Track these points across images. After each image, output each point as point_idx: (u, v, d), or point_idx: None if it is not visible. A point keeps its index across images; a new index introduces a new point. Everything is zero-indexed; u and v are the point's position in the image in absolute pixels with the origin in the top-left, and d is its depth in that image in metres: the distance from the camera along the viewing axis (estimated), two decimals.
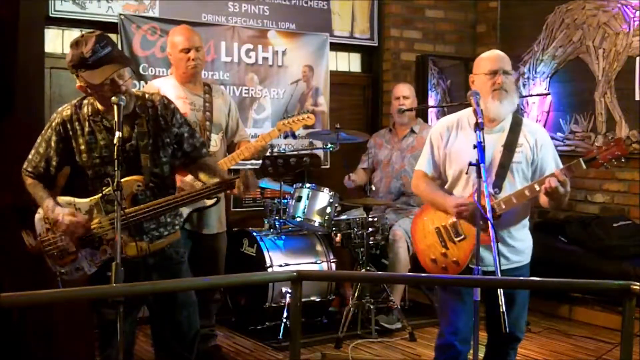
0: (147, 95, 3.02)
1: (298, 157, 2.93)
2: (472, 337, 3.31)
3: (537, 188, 3.09)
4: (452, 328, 3.26)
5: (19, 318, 3.53)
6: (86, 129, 2.92)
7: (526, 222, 3.35)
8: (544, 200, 3.15)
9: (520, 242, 3.29)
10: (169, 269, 3.02)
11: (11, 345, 3.55)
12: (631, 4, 5.66)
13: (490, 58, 3.34)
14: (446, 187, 3.37)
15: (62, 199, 2.99)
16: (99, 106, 2.91)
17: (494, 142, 3.21)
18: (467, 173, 3.18)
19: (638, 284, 2.19)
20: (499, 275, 2.90)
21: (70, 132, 2.93)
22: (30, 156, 3.03)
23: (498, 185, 3.20)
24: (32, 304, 2.78)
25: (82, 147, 2.92)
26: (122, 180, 2.81)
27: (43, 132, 3.00)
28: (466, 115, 3.34)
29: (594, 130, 5.92)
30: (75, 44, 2.83)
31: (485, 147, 3.08)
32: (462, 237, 3.25)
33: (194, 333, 3.15)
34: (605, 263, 5.30)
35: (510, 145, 3.22)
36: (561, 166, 3.26)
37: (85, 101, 2.96)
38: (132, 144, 2.91)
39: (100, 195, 2.90)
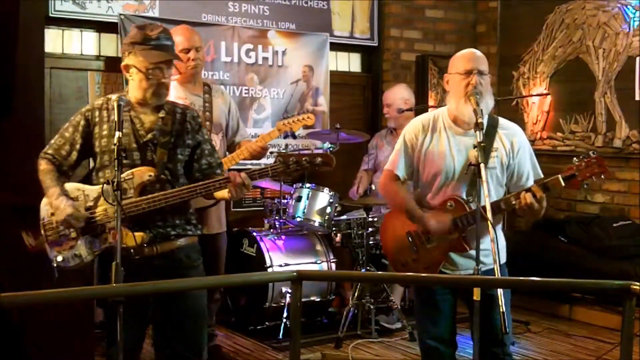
0: (178, 103, 3.15)
1: (310, 156, 2.90)
2: (455, 338, 3.29)
3: (514, 202, 3.02)
4: (432, 334, 3.24)
5: (19, 318, 3.53)
6: (112, 117, 2.97)
7: (499, 224, 3.26)
8: (518, 211, 3.05)
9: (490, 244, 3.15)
10: (175, 272, 2.96)
11: (11, 345, 3.54)
12: (631, 4, 5.66)
13: (465, 57, 3.20)
14: (418, 190, 3.29)
15: (72, 185, 3.01)
16: (135, 97, 2.99)
17: (469, 146, 3.04)
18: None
19: (638, 284, 2.19)
20: (499, 275, 2.89)
21: (97, 119, 3.00)
22: (52, 140, 3.07)
23: (472, 192, 3.09)
24: (32, 304, 2.77)
25: (105, 132, 2.98)
26: (135, 169, 2.90)
27: (72, 118, 3.06)
28: (441, 115, 3.22)
29: (594, 130, 5.92)
30: (142, 26, 3.00)
31: (454, 151, 3.08)
32: (434, 244, 3.20)
33: (201, 342, 3.12)
34: (605, 263, 5.31)
35: (485, 150, 3.02)
36: (539, 169, 3.20)
37: (117, 95, 3.02)
38: (154, 134, 2.96)
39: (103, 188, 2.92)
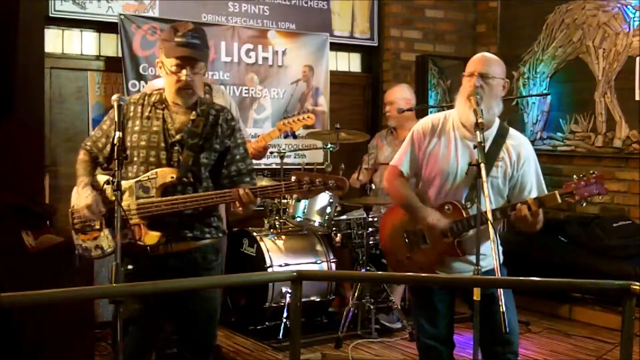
0: (215, 105, 3.10)
1: (325, 178, 2.90)
2: (452, 337, 3.30)
3: (509, 212, 3.02)
4: (429, 334, 3.25)
5: (19, 318, 3.53)
6: (146, 114, 2.99)
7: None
8: (515, 222, 3.05)
9: (487, 247, 3.05)
10: (190, 273, 2.94)
11: (11, 345, 3.55)
12: (631, 4, 5.66)
13: (472, 60, 3.18)
14: (418, 188, 3.30)
15: (102, 176, 3.03)
16: (167, 96, 2.99)
17: (473, 151, 3.03)
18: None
19: (638, 284, 2.18)
20: (499, 275, 2.89)
21: (132, 114, 3.00)
22: (92, 132, 3.13)
23: (471, 198, 3.08)
24: (32, 304, 2.77)
25: (137, 128, 2.98)
26: (159, 169, 2.90)
27: (110, 112, 3.07)
28: (452, 116, 3.20)
29: (594, 130, 5.92)
30: (174, 24, 2.97)
31: (459, 154, 3.08)
32: (428, 245, 3.20)
33: (209, 345, 3.10)
34: (605, 263, 5.30)
35: (489, 158, 3.03)
36: (543, 184, 3.18)
37: (157, 91, 3.05)
38: (182, 135, 2.95)
39: (135, 180, 2.93)
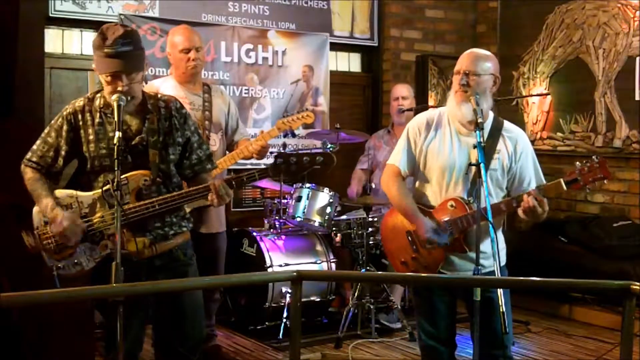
0: (159, 96, 3.03)
1: (311, 155, 2.86)
2: (454, 338, 3.30)
3: (514, 204, 3.02)
4: (430, 334, 3.24)
5: (19, 318, 3.53)
6: (97, 120, 2.91)
7: (500, 227, 3.25)
8: (521, 214, 3.04)
9: (489, 246, 3.06)
10: (175, 270, 2.97)
11: (11, 345, 3.54)
12: (631, 4, 5.66)
13: (461, 57, 3.20)
14: (416, 186, 3.29)
15: (63, 191, 2.95)
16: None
17: (471, 146, 3.03)
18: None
19: (638, 284, 2.19)
20: (499, 275, 2.89)
21: (81, 122, 2.92)
22: (35, 146, 2.97)
23: (472, 193, 3.07)
24: (32, 304, 2.77)
25: (91, 137, 2.90)
26: (129, 174, 2.84)
27: (52, 122, 2.97)
28: (447, 112, 3.22)
29: (594, 130, 5.93)
30: (103, 29, 2.83)
31: (456, 150, 3.08)
32: (432, 246, 3.19)
33: (198, 337, 3.12)
34: (605, 263, 5.31)
35: (487, 152, 3.04)
36: (541, 174, 3.19)
37: (99, 94, 2.94)
38: (142, 137, 2.89)
39: (104, 188, 2.86)
